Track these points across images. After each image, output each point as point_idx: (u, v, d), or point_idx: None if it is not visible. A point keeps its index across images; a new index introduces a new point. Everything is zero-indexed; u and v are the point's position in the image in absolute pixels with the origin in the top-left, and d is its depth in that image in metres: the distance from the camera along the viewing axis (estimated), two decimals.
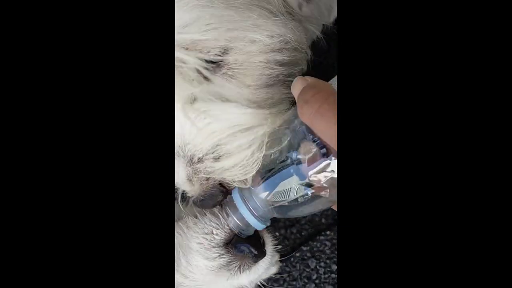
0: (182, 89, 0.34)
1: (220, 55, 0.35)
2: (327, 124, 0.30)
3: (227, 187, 0.41)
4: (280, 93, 0.39)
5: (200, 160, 0.39)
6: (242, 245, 0.41)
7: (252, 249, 0.41)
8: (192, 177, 0.40)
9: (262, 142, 0.38)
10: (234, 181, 0.39)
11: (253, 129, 0.38)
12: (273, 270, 0.52)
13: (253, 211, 0.38)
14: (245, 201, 0.38)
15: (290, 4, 0.39)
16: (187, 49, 0.34)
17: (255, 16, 0.35)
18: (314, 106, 0.31)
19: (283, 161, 0.35)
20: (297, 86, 0.35)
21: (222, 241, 0.41)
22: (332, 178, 0.32)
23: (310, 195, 0.34)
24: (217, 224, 0.41)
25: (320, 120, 0.31)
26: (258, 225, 0.39)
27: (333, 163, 0.32)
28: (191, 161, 0.39)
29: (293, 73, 0.40)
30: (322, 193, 0.34)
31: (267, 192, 0.36)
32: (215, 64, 0.35)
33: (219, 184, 0.40)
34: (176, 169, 0.39)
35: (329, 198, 0.35)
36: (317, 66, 0.47)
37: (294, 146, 0.34)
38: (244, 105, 0.38)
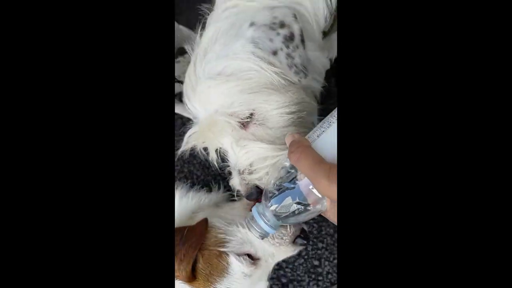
0: (230, 134, 0.61)
1: (249, 116, 0.60)
2: (304, 167, 0.48)
3: (260, 188, 0.65)
4: (293, 130, 0.62)
5: (243, 172, 0.64)
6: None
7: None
8: (241, 182, 0.65)
9: (274, 165, 0.62)
10: (262, 184, 0.64)
11: (269, 158, 0.62)
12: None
13: (266, 221, 0.53)
14: (260, 215, 0.55)
15: (291, 79, 0.59)
16: (231, 115, 0.59)
17: (264, 96, 0.59)
18: (296, 155, 0.48)
19: (285, 186, 0.53)
20: (288, 140, 0.53)
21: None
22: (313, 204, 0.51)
23: (302, 208, 0.52)
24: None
25: (300, 164, 0.48)
26: (271, 231, 0.56)
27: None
28: (239, 172, 0.64)
29: (301, 115, 0.61)
30: (317, 206, 0.51)
31: (276, 205, 0.53)
32: (248, 119, 0.60)
33: (256, 186, 0.65)
34: (233, 176, 0.67)
35: (315, 211, 0.53)
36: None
37: (289, 178, 0.52)
38: (266, 142, 0.61)
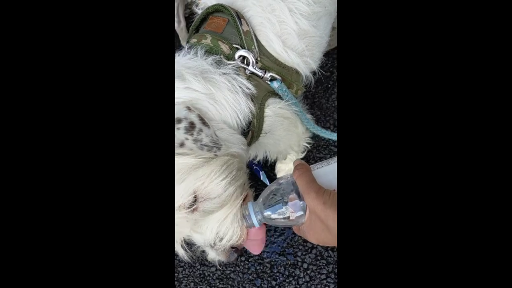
0: (186, 224, 0.70)
1: (194, 200, 0.68)
2: (302, 181, 0.64)
3: (236, 247, 0.74)
4: (236, 186, 0.71)
5: (214, 244, 0.71)
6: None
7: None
8: (218, 253, 0.73)
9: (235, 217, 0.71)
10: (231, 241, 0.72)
11: (229, 216, 0.71)
12: None
13: (258, 219, 0.68)
14: (255, 213, 0.68)
15: (208, 156, 0.69)
16: (179, 210, 0.67)
17: (194, 177, 0.67)
18: (299, 172, 0.65)
19: (279, 200, 0.66)
20: (296, 162, 0.69)
21: None
22: (297, 217, 0.65)
23: (287, 220, 0.66)
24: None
25: (300, 179, 0.64)
26: (257, 225, 0.69)
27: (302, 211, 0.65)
28: (212, 246, 0.72)
29: (235, 173, 0.72)
30: (301, 220, 0.65)
31: (270, 213, 0.67)
32: (194, 203, 0.68)
33: (231, 247, 0.73)
34: (208, 252, 0.74)
35: (293, 224, 0.67)
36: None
37: (286, 193, 0.66)
38: (218, 209, 0.70)
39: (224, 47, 0.76)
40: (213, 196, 0.68)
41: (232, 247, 0.72)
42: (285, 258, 1.17)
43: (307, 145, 1.03)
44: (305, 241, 1.19)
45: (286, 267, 1.16)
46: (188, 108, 0.66)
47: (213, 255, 0.73)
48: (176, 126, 0.64)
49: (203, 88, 0.71)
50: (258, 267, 1.19)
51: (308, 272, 1.14)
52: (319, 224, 0.60)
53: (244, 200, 0.73)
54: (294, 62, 0.82)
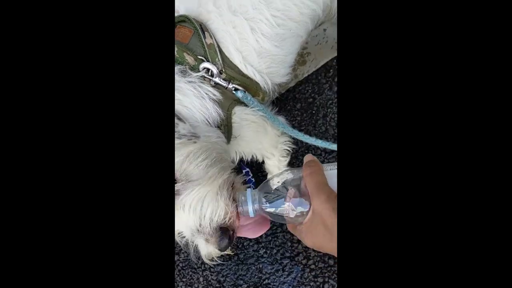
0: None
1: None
2: (312, 181, 0.60)
3: (224, 227, 0.69)
4: (218, 169, 0.72)
5: (199, 229, 0.68)
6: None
7: None
8: (207, 240, 0.69)
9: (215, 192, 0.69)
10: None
11: (208, 194, 0.68)
12: None
13: (254, 209, 0.63)
14: (252, 202, 0.63)
15: (189, 144, 0.72)
16: None
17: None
18: (310, 170, 0.62)
19: (280, 195, 0.62)
20: (307, 158, 0.66)
21: None
22: (296, 215, 0.60)
23: (287, 216, 0.61)
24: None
25: (310, 178, 0.60)
26: (252, 215, 0.64)
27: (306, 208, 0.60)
28: (198, 232, 0.69)
29: (216, 156, 0.73)
30: (300, 218, 0.61)
31: (269, 206, 0.62)
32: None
33: (220, 228, 0.68)
34: (199, 244, 0.71)
35: (290, 222, 0.63)
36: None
37: (289, 188, 0.62)
38: (197, 188, 0.69)
39: (189, 59, 0.81)
40: (194, 178, 0.67)
41: (221, 228, 0.67)
42: None
43: (289, 149, 1.02)
44: (316, 277, 1.09)
45: None
46: (177, 117, 0.69)
47: (202, 247, 0.68)
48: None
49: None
50: None
51: None
52: (321, 228, 0.57)
53: (233, 187, 0.71)
54: (254, 76, 0.86)
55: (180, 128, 0.68)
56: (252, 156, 1.00)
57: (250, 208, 0.63)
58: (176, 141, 0.67)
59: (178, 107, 0.74)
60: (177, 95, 0.74)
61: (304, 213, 0.60)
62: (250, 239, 1.17)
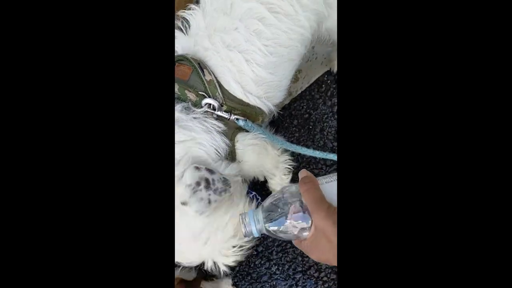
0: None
1: None
2: (309, 198, 0.61)
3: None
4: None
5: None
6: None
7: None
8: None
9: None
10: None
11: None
12: None
13: (257, 229, 0.65)
14: (255, 222, 0.65)
15: (223, 198, 0.79)
16: None
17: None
18: (306, 186, 0.63)
19: (282, 213, 0.64)
20: (302, 174, 0.67)
21: None
22: (299, 231, 0.62)
23: (290, 233, 0.63)
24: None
25: (307, 195, 0.62)
26: (256, 235, 0.66)
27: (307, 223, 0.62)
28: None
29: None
30: (304, 233, 0.62)
31: (271, 226, 0.64)
32: None
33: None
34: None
35: (295, 238, 0.64)
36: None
37: (289, 205, 0.63)
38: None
39: (191, 95, 0.85)
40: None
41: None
42: None
43: (290, 167, 1.07)
44: None
45: None
46: (197, 168, 0.75)
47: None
48: (198, 189, 0.73)
49: (187, 136, 0.80)
50: None
51: None
52: (325, 243, 0.58)
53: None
54: (255, 103, 0.91)
55: (216, 183, 0.74)
56: (254, 177, 1.04)
57: (253, 229, 0.65)
58: (214, 197, 0.74)
59: (195, 149, 0.80)
60: (189, 133, 0.79)
61: (307, 228, 0.61)
62: (261, 257, 1.19)
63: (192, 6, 0.93)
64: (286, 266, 1.17)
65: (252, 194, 1.22)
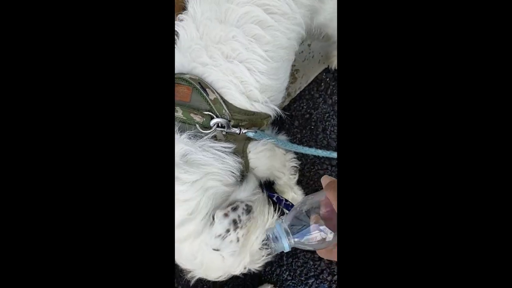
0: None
1: None
2: (330, 195, 0.59)
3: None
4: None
5: None
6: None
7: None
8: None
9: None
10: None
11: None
12: None
13: (289, 244, 0.62)
14: (286, 236, 0.62)
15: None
16: None
17: None
18: (332, 194, 0.60)
19: (305, 225, 0.62)
20: (325, 181, 0.64)
21: None
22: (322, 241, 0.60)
23: (320, 241, 0.61)
24: None
25: (328, 192, 0.60)
26: (288, 249, 0.63)
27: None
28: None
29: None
30: (328, 241, 0.60)
31: (299, 238, 0.62)
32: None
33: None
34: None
35: (324, 246, 0.62)
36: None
37: (309, 216, 0.61)
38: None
39: (197, 118, 0.80)
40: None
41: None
42: None
43: (296, 165, 1.06)
44: None
45: None
46: (225, 215, 0.75)
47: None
48: (227, 235, 0.75)
49: (199, 174, 0.76)
50: None
51: None
52: None
53: None
54: (261, 109, 0.88)
55: (242, 217, 0.75)
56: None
57: (285, 244, 0.62)
58: (241, 232, 0.75)
59: (211, 183, 0.77)
60: (201, 170, 0.76)
61: (327, 238, 0.60)
62: (271, 264, 1.16)
63: (180, 16, 0.88)
64: (298, 272, 1.14)
65: (275, 197, 1.18)
